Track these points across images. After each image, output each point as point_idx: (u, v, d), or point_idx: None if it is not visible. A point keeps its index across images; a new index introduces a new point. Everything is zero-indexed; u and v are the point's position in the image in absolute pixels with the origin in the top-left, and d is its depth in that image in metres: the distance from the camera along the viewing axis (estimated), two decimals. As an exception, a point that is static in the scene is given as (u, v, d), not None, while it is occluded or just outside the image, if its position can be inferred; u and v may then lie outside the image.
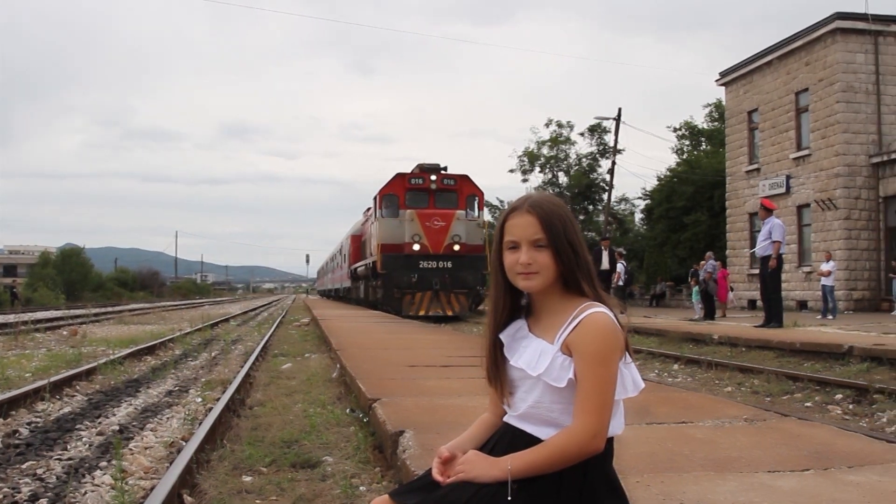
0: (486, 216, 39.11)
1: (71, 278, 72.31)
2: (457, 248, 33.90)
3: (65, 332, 23.05)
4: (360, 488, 5.29)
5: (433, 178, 35.46)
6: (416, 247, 33.44)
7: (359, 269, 44.73)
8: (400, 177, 35.81)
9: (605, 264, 28.13)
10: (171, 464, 6.05)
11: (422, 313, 32.87)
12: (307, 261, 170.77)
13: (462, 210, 35.04)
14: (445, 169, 36.63)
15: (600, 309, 2.59)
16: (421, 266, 33.55)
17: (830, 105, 35.02)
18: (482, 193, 37.23)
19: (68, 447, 7.23)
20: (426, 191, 35.34)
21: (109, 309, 45.55)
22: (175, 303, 69.21)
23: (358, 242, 47.42)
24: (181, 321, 32.19)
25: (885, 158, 33.78)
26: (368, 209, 42.63)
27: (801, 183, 37.00)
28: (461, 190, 35.82)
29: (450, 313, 33.43)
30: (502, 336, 2.78)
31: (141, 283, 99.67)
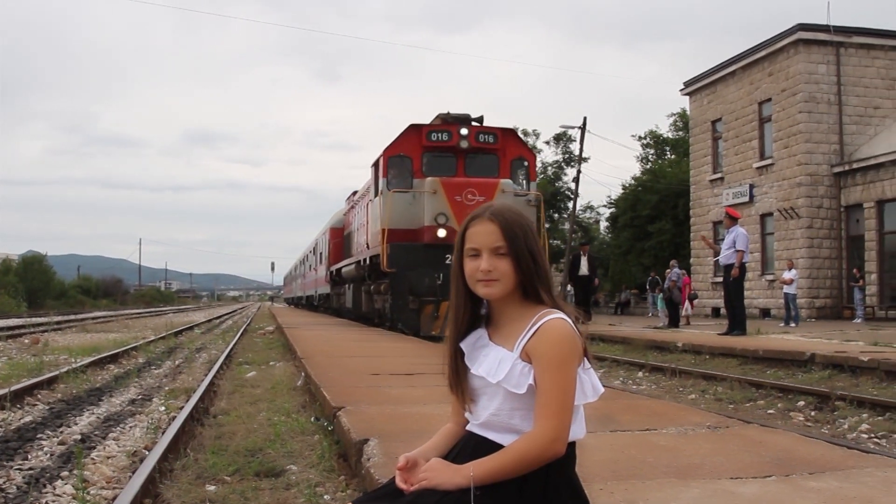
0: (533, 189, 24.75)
1: (33, 286, 71.52)
2: None
3: (26, 341, 22.77)
4: (325, 497, 5.27)
5: (464, 132, 23.35)
6: (442, 232, 21.78)
7: (343, 271, 33.33)
8: (414, 131, 23.45)
9: (585, 270, 28.32)
10: (133, 473, 6.00)
11: (447, 333, 22.16)
12: (272, 268, 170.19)
13: (507, 179, 22.98)
14: (480, 121, 24.31)
15: (558, 315, 2.62)
16: (448, 262, 20.95)
17: (793, 115, 35.38)
18: (533, 157, 25.69)
19: (29, 457, 7.14)
20: (454, 151, 23.49)
21: (72, 317, 45.09)
22: (139, 311, 68.68)
23: (340, 237, 38.03)
24: (145, 329, 31.91)
25: (847, 168, 34.17)
26: (354, 193, 34.35)
27: (764, 192, 37.33)
28: (505, 151, 23.98)
29: None
30: (463, 345, 2.80)
31: (104, 290, 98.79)
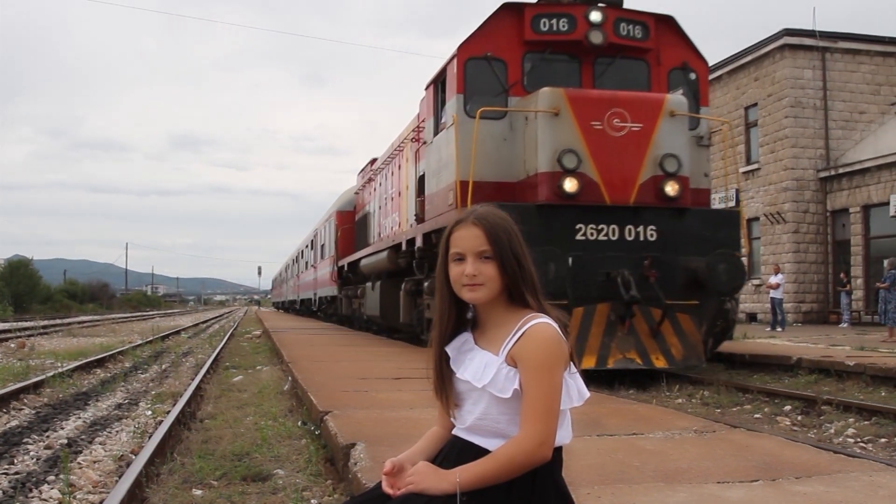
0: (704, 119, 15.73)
1: (19, 290, 71.17)
2: (672, 190, 13.30)
3: (12, 345, 22.69)
4: (312, 501, 5.27)
5: (595, 17, 14.40)
6: (571, 184, 12.90)
7: (363, 264, 23.06)
8: (509, 14, 14.61)
9: None
10: (120, 478, 5.98)
11: (590, 364, 12.17)
12: (259, 272, 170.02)
13: (679, 95, 14.37)
14: (619, 4, 14.92)
15: (544, 320, 2.63)
16: (582, 236, 13.02)
17: (779, 120, 35.47)
18: (705, 66, 15.91)
19: (15, 461, 7.12)
20: (578, 51, 14.66)
21: (58, 321, 44.89)
22: (125, 315, 68.41)
23: (351, 222, 29.46)
24: (131, 333, 31.82)
25: (833, 173, 34.26)
26: (372, 162, 26.38)
27: (751, 196, 37.40)
28: (659, 53, 15.21)
29: (661, 364, 12.73)
30: (448, 349, 2.80)
31: (90, 295, 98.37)
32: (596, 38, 14.21)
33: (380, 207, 23.89)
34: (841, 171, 34.01)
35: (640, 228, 13.03)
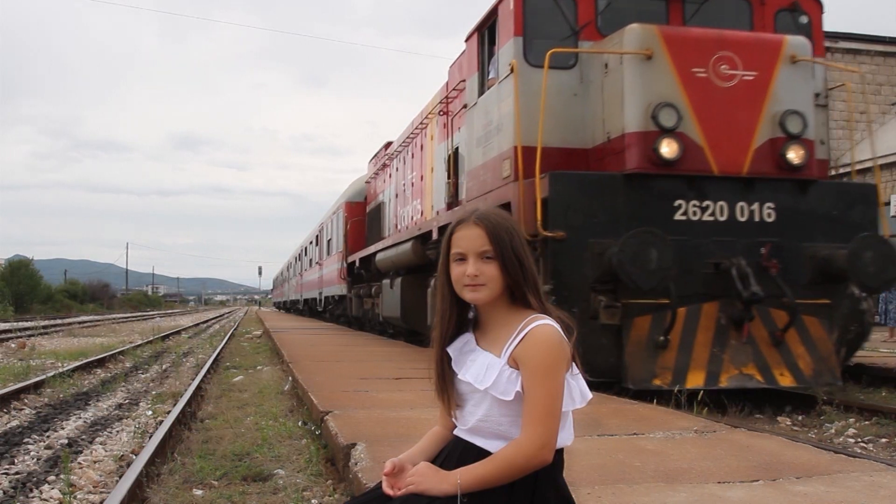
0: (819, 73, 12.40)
1: (19, 290, 71.10)
2: (797, 156, 10.50)
3: (13, 345, 22.67)
4: (312, 501, 5.27)
5: None
6: (670, 148, 10.06)
7: (379, 258, 20.48)
8: None
9: None
10: (120, 478, 5.99)
11: (697, 383, 9.61)
12: (259, 273, 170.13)
13: (801, 37, 11.17)
14: None
15: (546, 321, 2.62)
16: (682, 215, 10.27)
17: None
18: (820, 7, 12.61)
19: (16, 461, 7.12)
20: None
21: (59, 321, 44.85)
22: (126, 315, 68.36)
23: (361, 213, 27.01)
24: (132, 333, 31.80)
25: (833, 173, 34.20)
26: (387, 146, 23.81)
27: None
28: None
29: (787, 382, 10.06)
30: (450, 350, 2.80)
31: (91, 295, 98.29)
32: None
33: (396, 195, 21.31)
34: (842, 170, 34.01)
35: (755, 206, 10.45)
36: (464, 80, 14.02)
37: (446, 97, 15.41)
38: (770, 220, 10.45)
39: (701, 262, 9.93)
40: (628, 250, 9.23)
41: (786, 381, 10.00)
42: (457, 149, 14.61)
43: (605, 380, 9.46)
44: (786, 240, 10.33)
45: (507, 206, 10.58)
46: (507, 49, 11.50)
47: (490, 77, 12.47)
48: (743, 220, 10.37)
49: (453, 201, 14.65)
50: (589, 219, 9.93)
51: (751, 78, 10.42)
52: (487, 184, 12.19)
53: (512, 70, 11.14)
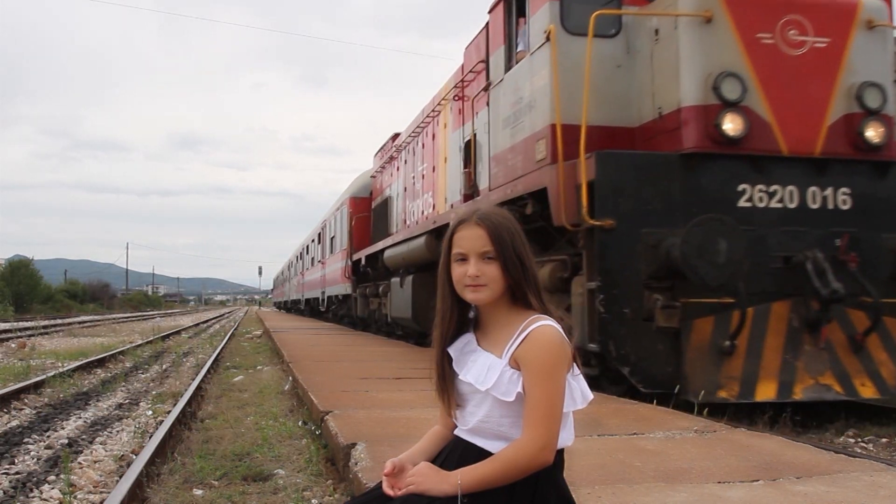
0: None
1: (19, 290, 71.11)
2: (876, 135, 9.32)
3: (13, 345, 22.67)
4: (313, 501, 5.27)
5: None
6: (734, 124, 8.85)
7: (387, 255, 19.54)
8: None
9: None
10: (120, 478, 5.98)
11: (769, 395, 8.56)
12: (259, 272, 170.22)
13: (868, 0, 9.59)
14: None
15: (547, 322, 2.62)
16: (746, 201, 9.04)
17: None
18: None
19: (16, 461, 7.12)
20: None
21: (59, 321, 44.83)
22: (126, 315, 68.35)
23: (367, 209, 26.07)
24: (132, 333, 31.80)
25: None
26: (394, 137, 22.84)
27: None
28: None
29: (869, 394, 8.96)
30: (450, 350, 2.79)
31: (91, 295, 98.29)
32: None
33: (405, 189, 20.05)
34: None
35: (829, 191, 9.23)
36: (482, 61, 13.08)
37: (462, 81, 14.50)
38: (845, 207, 9.25)
39: (769, 256, 8.79)
40: (694, 241, 8.13)
41: (868, 392, 8.90)
42: (474, 135, 13.58)
43: (660, 391, 8.39)
44: (863, 230, 9.12)
45: (542, 193, 9.72)
46: (541, 15, 10.26)
47: (519, 50, 11.29)
48: (815, 207, 9.16)
49: (471, 192, 13.64)
50: (642, 205, 8.77)
51: (823, 45, 9.27)
52: (517, 168, 10.94)
53: (548, 38, 9.85)
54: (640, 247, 8.59)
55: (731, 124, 8.80)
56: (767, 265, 8.74)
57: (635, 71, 9.97)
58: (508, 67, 11.53)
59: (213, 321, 52.70)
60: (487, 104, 12.63)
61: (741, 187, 8.96)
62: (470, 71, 13.82)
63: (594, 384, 8.48)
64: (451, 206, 14.81)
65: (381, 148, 24.91)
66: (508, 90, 11.41)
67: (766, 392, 8.50)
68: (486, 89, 12.72)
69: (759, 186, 9.01)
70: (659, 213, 8.74)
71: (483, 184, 12.84)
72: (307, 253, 44.35)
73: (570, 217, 8.98)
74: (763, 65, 9.04)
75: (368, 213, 25.56)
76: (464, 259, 2.70)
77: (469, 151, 13.85)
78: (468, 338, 2.81)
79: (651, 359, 8.54)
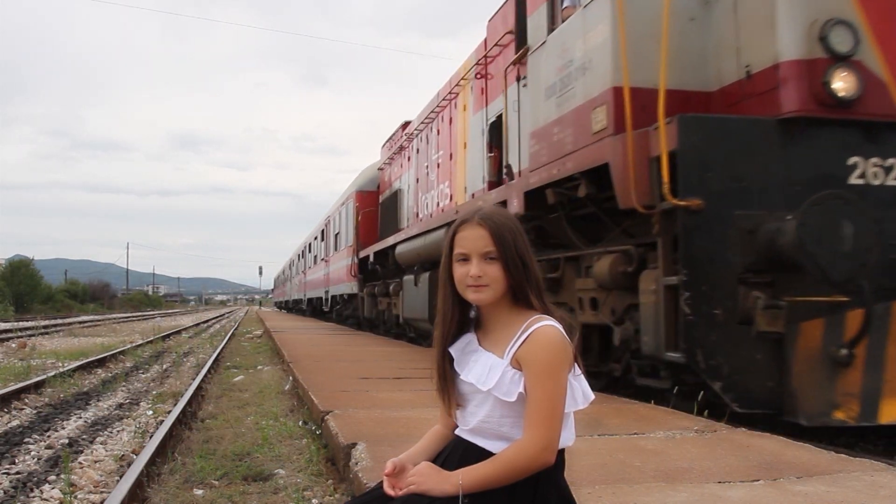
0: None
1: (19, 290, 71.15)
2: None
3: (13, 345, 22.66)
4: (313, 501, 5.27)
5: None
6: (844, 82, 7.12)
7: (399, 250, 18.20)
8: None
9: None
10: (121, 477, 5.98)
11: (894, 416, 6.83)
12: (260, 272, 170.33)
13: None
14: None
15: (549, 322, 2.62)
16: (859, 178, 7.30)
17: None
18: None
19: (16, 461, 7.12)
20: None
21: (59, 321, 44.83)
22: (126, 315, 68.34)
23: (374, 204, 24.76)
24: (132, 333, 31.79)
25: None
26: (404, 126, 21.62)
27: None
28: None
29: None
30: (452, 350, 2.79)
31: (91, 295, 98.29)
32: None
33: (417, 180, 18.57)
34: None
35: None
36: (509, 32, 11.72)
37: (485, 56, 13.17)
38: None
39: (887, 244, 6.99)
40: (812, 224, 6.55)
41: None
42: (499, 115, 12.13)
43: (761, 411, 7.01)
44: None
45: (603, 169, 8.12)
46: None
47: (565, 6, 9.62)
48: None
49: (497, 179, 12.14)
50: (735, 182, 7.13)
51: None
52: (565, 143, 9.17)
53: None
54: (733, 233, 7.03)
55: (842, 83, 7.19)
56: (885, 256, 7.02)
57: (713, 24, 8.36)
58: (551, 28, 9.91)
59: (213, 321, 52.68)
60: (517, 79, 11.37)
61: (853, 160, 7.35)
62: (495, 45, 12.56)
63: (661, 399, 7.97)
64: (472, 195, 13.56)
65: (390, 138, 23.56)
66: (553, 54, 9.75)
67: (891, 413, 6.92)
68: (515, 63, 11.38)
69: (874, 159, 7.41)
70: (755, 192, 7.17)
71: (520, 164, 11.14)
72: (309, 251, 42.79)
73: (643, 197, 7.52)
74: (876, 12, 7.37)
75: (376, 207, 24.19)
76: (465, 259, 2.70)
77: (495, 132, 12.53)
78: (469, 338, 2.81)
79: (749, 371, 6.98)
